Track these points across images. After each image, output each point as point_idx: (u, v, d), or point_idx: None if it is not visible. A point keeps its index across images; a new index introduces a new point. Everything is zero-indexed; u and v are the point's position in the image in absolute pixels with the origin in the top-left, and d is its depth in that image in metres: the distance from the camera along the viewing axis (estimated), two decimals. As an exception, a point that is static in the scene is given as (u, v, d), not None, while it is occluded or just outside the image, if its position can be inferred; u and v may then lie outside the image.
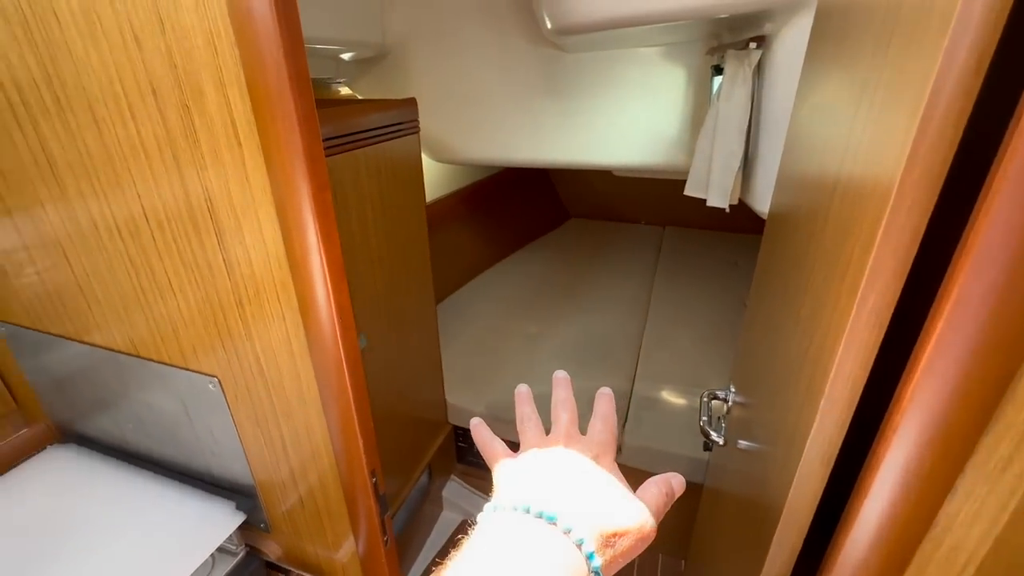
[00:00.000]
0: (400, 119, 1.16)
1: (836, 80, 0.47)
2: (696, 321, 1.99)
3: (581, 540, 0.30)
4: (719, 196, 1.04)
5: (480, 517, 0.33)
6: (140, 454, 0.87)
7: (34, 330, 0.81)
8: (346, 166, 0.99)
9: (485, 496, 1.73)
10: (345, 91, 1.85)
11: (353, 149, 1.01)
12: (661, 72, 1.45)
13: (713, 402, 0.83)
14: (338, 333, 0.59)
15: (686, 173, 1.30)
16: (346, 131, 0.98)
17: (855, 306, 0.32)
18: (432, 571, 0.30)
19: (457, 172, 2.36)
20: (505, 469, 0.37)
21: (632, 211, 3.22)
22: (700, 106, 1.44)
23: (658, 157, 1.57)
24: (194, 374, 0.70)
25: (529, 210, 3.03)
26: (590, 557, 0.30)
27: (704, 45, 1.38)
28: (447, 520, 1.66)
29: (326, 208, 0.51)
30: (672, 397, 1.58)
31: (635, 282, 2.40)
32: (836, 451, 0.37)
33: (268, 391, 0.68)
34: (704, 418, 0.80)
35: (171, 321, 0.68)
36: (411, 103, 1.21)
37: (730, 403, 0.81)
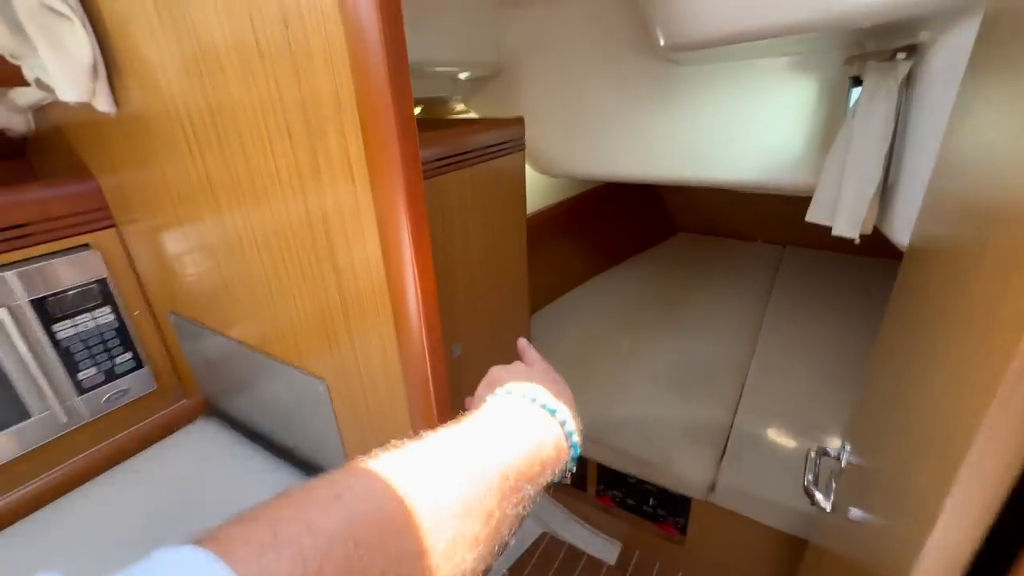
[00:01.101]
0: (507, 138, 1.20)
1: (1010, 92, 0.40)
2: (814, 354, 1.79)
3: (571, 432, 0.42)
4: (848, 225, 0.93)
5: (493, 399, 0.43)
6: (263, 435, 1.00)
7: (192, 320, 0.96)
8: (452, 184, 1.05)
9: (567, 509, 1.72)
10: (460, 107, 1.95)
11: (461, 168, 1.06)
12: (785, 84, 1.33)
13: (823, 459, 0.74)
14: (425, 348, 0.63)
15: (811, 192, 1.17)
16: (456, 151, 1.04)
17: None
18: (459, 415, 0.41)
19: (561, 183, 2.37)
20: (503, 371, 0.50)
21: (748, 227, 2.99)
22: (830, 121, 1.30)
23: (779, 175, 1.44)
24: (306, 374, 0.78)
25: (633, 222, 2.94)
26: (574, 447, 0.42)
27: (840, 55, 1.24)
28: (526, 529, 1.68)
29: (422, 238, 0.55)
30: (778, 437, 1.43)
31: (746, 304, 2.22)
32: (979, 539, 0.31)
33: (365, 396, 0.74)
34: (810, 476, 0.71)
35: (291, 324, 0.76)
36: (518, 123, 1.24)
37: (844, 463, 0.71)
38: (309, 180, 0.59)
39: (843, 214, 0.93)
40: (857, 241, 0.96)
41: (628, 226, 2.89)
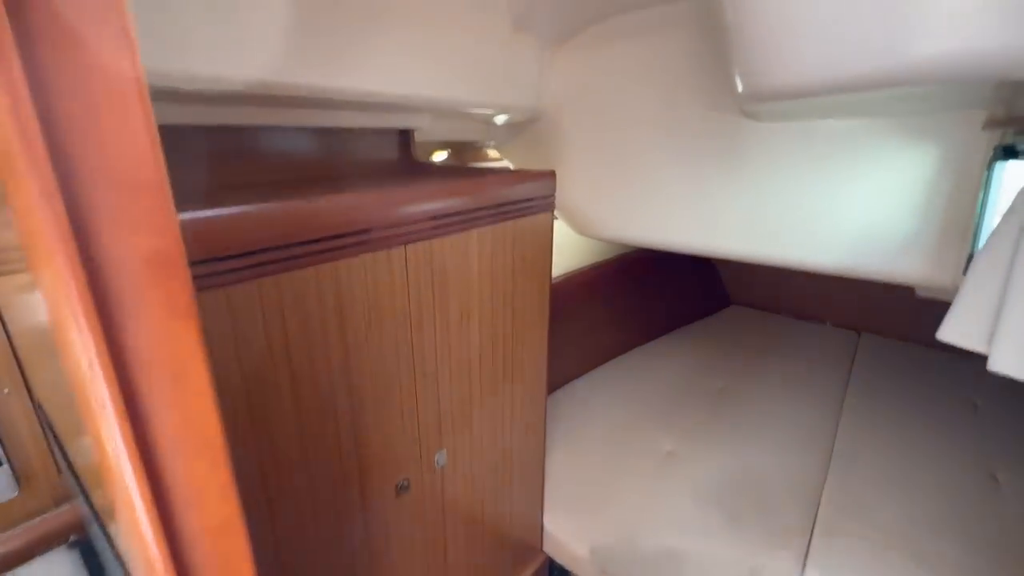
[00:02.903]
0: (532, 194, 0.97)
1: None
2: (907, 489, 1.40)
3: None
4: (1017, 361, 0.62)
5: None
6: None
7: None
8: (453, 248, 0.82)
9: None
10: (493, 153, 1.76)
11: (467, 227, 0.83)
12: (894, 149, 1.05)
13: None
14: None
15: (916, 284, 0.88)
16: (464, 207, 0.81)
17: None
18: None
19: (597, 242, 2.13)
20: None
21: (815, 306, 2.61)
22: (957, 201, 1.00)
23: (877, 263, 1.14)
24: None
25: (679, 290, 2.63)
26: None
27: (976, 115, 0.95)
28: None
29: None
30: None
31: (816, 405, 1.84)
32: None
33: None
34: None
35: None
36: (548, 176, 1.01)
37: None
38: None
39: (1010, 344, 0.62)
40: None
41: (672, 294, 2.58)
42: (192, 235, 0.51)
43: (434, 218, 0.77)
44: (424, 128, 1.24)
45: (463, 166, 1.21)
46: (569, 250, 2.05)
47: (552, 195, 1.04)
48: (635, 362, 2.14)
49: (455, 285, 0.84)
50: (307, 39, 0.73)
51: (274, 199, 0.66)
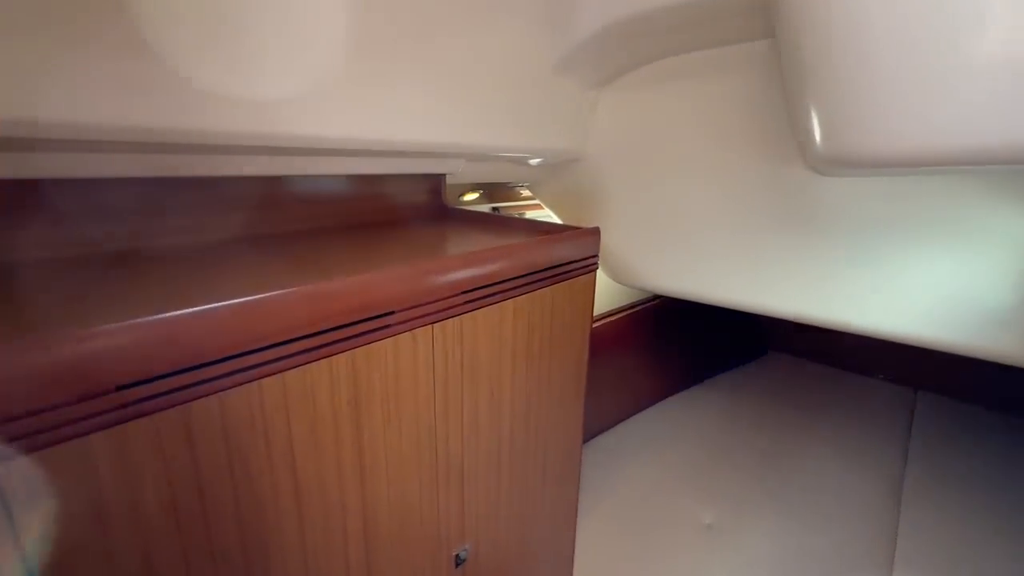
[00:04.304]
0: (576, 255, 0.88)
1: None
2: (991, 569, 1.22)
3: None
4: None
5: None
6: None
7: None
8: (487, 321, 0.73)
9: None
10: (526, 193, 1.68)
11: (503, 299, 0.74)
12: (991, 211, 0.92)
13: None
14: None
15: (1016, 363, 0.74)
16: (498, 277, 0.72)
17: None
18: None
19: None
20: None
21: (865, 358, 2.42)
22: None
23: (962, 335, 1.00)
24: None
25: (715, 334, 2.48)
26: None
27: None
28: None
29: None
30: None
31: (871, 474, 1.67)
32: None
33: None
34: None
35: None
36: (591, 235, 0.92)
37: None
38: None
39: None
40: None
41: (708, 339, 2.43)
42: (166, 338, 0.42)
43: (466, 291, 0.68)
44: (457, 172, 1.17)
45: (496, 215, 1.12)
46: (599, 291, 1.94)
47: (596, 255, 0.94)
48: (670, 413, 2.00)
49: (487, 364, 0.74)
50: (347, 90, 0.67)
51: (287, 262, 0.59)
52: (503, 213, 1.66)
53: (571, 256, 0.87)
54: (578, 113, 1.23)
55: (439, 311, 0.65)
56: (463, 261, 0.67)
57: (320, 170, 0.85)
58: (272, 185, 0.84)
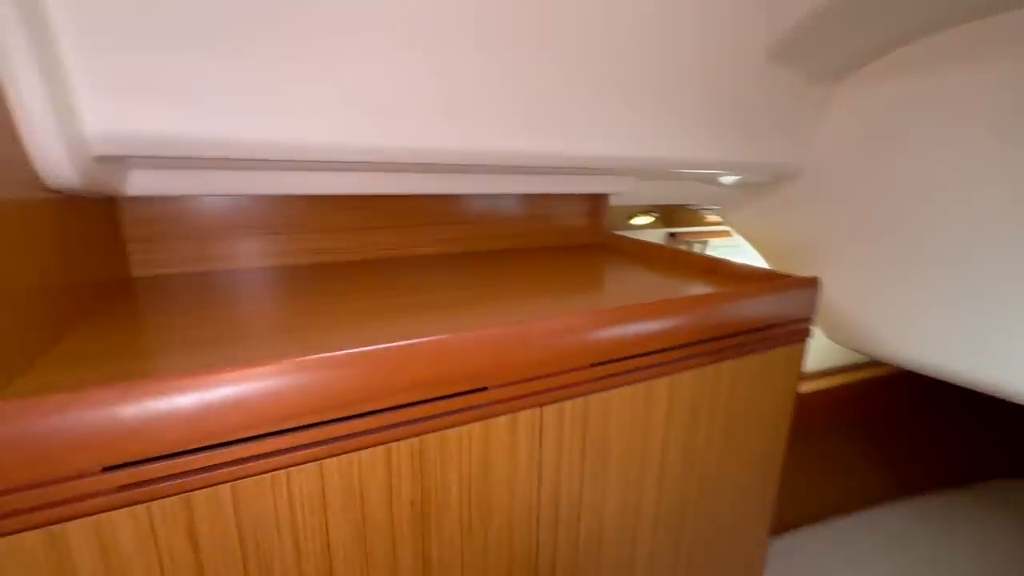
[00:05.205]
0: (778, 316, 0.60)
1: None
2: None
3: None
4: None
5: None
6: None
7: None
8: (630, 404, 0.51)
9: None
10: (713, 218, 1.38)
11: (653, 375, 0.52)
12: None
13: None
14: None
15: None
16: (654, 345, 0.50)
17: None
18: None
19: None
20: None
21: None
22: None
23: None
24: None
25: (972, 430, 1.75)
26: None
27: None
28: None
29: None
30: None
31: None
32: None
33: None
34: None
35: None
36: (807, 286, 0.62)
37: None
38: None
39: None
40: None
41: (963, 434, 1.72)
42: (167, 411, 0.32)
43: (599, 364, 0.47)
44: (626, 192, 0.96)
45: (664, 247, 0.88)
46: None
47: (810, 316, 0.64)
48: (893, 525, 1.46)
49: (619, 463, 0.53)
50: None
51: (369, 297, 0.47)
52: (680, 241, 1.38)
53: (772, 317, 0.59)
54: (797, 115, 0.92)
55: (554, 388, 0.46)
56: (595, 320, 0.46)
57: (457, 189, 0.74)
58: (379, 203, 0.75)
